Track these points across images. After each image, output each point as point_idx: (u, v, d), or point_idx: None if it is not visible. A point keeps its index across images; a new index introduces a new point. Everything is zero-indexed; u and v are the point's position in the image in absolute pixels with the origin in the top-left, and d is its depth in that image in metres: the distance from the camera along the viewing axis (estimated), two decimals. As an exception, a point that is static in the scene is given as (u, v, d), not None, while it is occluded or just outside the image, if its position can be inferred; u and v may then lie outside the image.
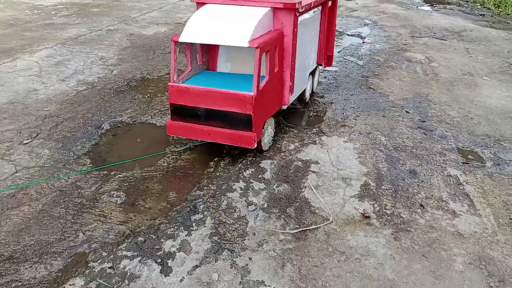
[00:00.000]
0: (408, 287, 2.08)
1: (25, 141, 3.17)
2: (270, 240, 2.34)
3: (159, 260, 2.15)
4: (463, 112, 4.18)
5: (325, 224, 2.49)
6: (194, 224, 2.44)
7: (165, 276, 2.06)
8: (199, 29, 2.93)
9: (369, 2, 9.69)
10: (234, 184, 2.83)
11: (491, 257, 2.31)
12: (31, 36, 5.57)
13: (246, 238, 2.34)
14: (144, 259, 2.16)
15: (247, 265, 2.16)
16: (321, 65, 4.33)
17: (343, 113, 3.99)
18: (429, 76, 5.10)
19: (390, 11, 8.70)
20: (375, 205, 2.69)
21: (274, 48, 3.04)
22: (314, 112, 4.01)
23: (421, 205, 2.74)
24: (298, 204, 2.67)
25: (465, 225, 2.56)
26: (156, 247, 2.25)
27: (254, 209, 2.59)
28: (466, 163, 3.26)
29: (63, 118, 3.57)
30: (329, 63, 4.57)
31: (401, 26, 7.47)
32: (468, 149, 3.48)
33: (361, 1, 9.75)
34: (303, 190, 2.81)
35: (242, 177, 2.91)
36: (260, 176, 2.94)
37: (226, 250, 2.25)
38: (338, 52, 5.85)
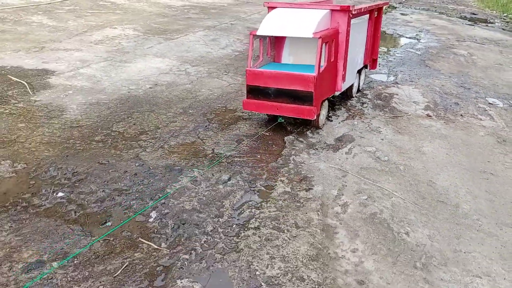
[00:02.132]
0: (455, 137, 4.11)
1: (224, 74, 5.44)
2: (378, 117, 4.44)
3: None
4: (492, 82, 6.16)
5: (406, 115, 4.57)
6: (336, 109, 4.57)
7: (331, 122, 4.20)
8: (272, 25, 3.67)
9: (421, 17, 11.74)
10: (350, 99, 4.94)
11: (500, 134, 4.31)
12: (183, 24, 8.00)
13: (365, 115, 4.46)
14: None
15: (370, 121, 4.27)
16: (367, 66, 5.20)
17: (409, 76, 6.07)
18: (469, 63, 7.10)
19: (439, 24, 10.73)
20: (434, 113, 4.74)
21: (331, 41, 3.71)
22: (391, 75, 6.11)
23: (461, 115, 4.76)
24: (389, 108, 4.76)
25: (486, 123, 4.57)
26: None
27: (366, 107, 4.71)
28: (491, 104, 5.25)
29: (238, 66, 5.84)
30: (373, 66, 5.36)
31: (449, 34, 9.48)
32: (493, 98, 5.47)
33: (415, 16, 11.82)
34: (391, 104, 4.90)
35: (352, 96, 5.03)
36: (364, 97, 5.05)
37: (357, 117, 4.37)
38: (401, 47, 7.94)
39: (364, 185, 3.08)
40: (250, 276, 2.17)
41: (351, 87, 4.71)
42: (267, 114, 4.10)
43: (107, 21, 7.52)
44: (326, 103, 4.03)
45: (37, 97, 4.10)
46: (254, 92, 3.68)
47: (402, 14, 12.04)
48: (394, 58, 7.05)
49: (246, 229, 2.51)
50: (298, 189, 2.96)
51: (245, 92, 3.78)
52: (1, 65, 4.79)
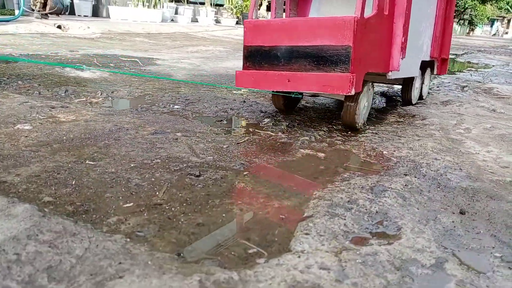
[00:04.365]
0: None
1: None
2: (483, 96, 4.20)
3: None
4: None
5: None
6: (429, 93, 4.40)
7: (431, 95, 4.03)
8: None
9: (504, 57, 11.35)
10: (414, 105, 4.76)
11: None
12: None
13: (467, 94, 4.23)
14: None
15: (476, 97, 4.04)
16: (433, 65, 3.68)
17: (505, 81, 5.75)
18: None
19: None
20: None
21: None
22: (486, 80, 5.85)
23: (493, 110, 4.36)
24: (492, 93, 4.49)
25: None
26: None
27: (467, 91, 4.48)
28: None
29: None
30: (442, 70, 3.79)
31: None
32: None
33: (497, 56, 11.46)
34: (493, 91, 4.62)
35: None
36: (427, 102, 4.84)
37: (459, 93, 4.16)
38: (490, 68, 7.65)
39: (483, 121, 2.85)
40: (376, 154, 2.03)
41: (410, 84, 3.22)
42: (272, 96, 2.68)
43: (199, 43, 8.15)
44: (371, 88, 2.51)
45: (147, 68, 4.44)
46: (254, 56, 2.33)
47: (483, 55, 11.75)
48: (486, 72, 6.77)
49: (363, 132, 2.40)
50: (412, 120, 2.81)
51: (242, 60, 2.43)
52: (113, 53, 5.31)
